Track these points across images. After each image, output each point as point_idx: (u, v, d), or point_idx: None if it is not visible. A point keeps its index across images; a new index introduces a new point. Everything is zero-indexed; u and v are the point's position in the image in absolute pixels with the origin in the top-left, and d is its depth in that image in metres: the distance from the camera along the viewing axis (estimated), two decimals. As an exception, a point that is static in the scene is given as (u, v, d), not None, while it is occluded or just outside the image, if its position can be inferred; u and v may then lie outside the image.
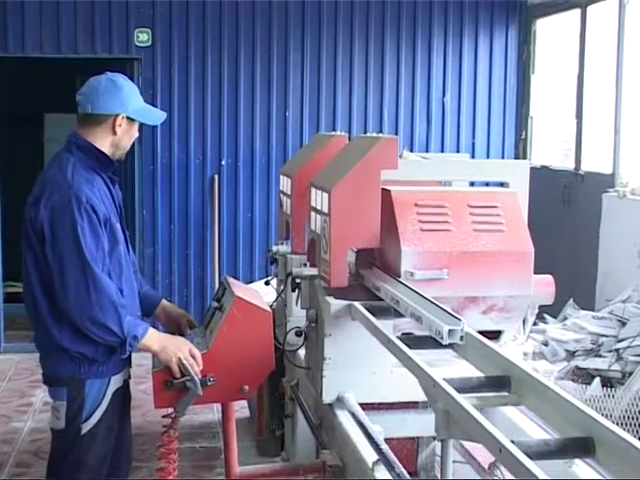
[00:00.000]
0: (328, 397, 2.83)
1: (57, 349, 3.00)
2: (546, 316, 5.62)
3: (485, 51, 7.74)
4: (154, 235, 7.53)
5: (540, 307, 3.30)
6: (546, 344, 5.18)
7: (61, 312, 2.96)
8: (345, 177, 2.84)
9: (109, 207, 3.07)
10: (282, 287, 3.58)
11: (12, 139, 9.25)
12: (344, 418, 2.72)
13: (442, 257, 2.82)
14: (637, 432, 4.41)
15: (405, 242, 2.81)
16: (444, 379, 1.98)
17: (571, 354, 5.04)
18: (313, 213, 3.09)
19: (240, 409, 5.29)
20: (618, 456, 1.62)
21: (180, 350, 3.02)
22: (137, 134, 3.22)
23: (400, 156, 3.75)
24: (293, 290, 3.21)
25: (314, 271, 3.03)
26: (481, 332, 2.32)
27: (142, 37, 7.32)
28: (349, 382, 2.82)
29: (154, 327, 3.13)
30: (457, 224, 2.88)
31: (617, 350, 4.84)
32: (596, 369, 4.78)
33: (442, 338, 2.18)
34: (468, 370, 2.26)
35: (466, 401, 1.85)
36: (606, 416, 4.34)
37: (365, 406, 2.76)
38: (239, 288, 3.31)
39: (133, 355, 3.14)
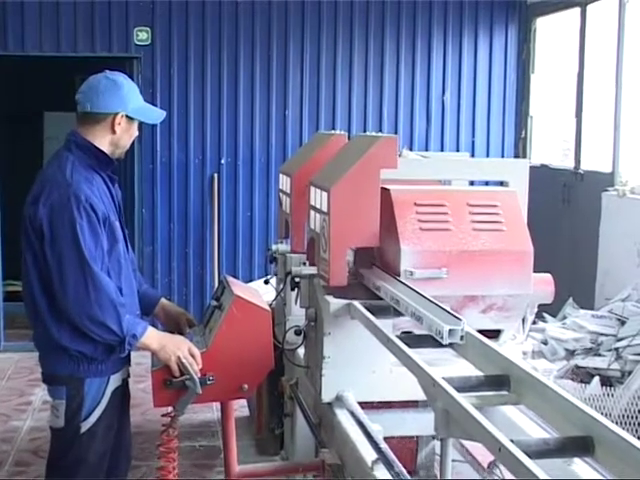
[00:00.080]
0: (327, 396, 2.83)
1: (56, 348, 3.00)
2: (545, 315, 5.62)
3: (485, 50, 7.73)
4: (153, 234, 7.53)
5: (539, 306, 3.30)
6: (545, 343, 5.18)
7: (60, 311, 2.96)
8: (344, 176, 2.84)
9: (108, 206, 3.07)
10: (281, 286, 3.58)
11: (12, 137, 9.25)
12: (343, 417, 2.72)
13: (441, 256, 2.82)
14: (636, 431, 4.41)
15: (404, 241, 2.81)
16: (443, 378, 1.98)
17: (570, 353, 5.04)
18: (312, 212, 3.09)
19: (239, 408, 5.29)
20: (617, 455, 1.62)
21: (179, 349, 3.02)
22: (137, 133, 3.22)
23: (399, 155, 3.75)
24: (292, 289, 3.21)
25: (313, 270, 3.03)
26: (480, 331, 2.32)
27: (142, 36, 7.32)
28: (348, 381, 2.82)
29: (153, 326, 3.13)
30: (456, 223, 2.88)
31: (616, 349, 4.84)
32: (595, 368, 4.78)
33: (442, 338, 2.18)
34: (467, 369, 2.26)
35: (465, 400, 1.85)
36: (605, 415, 4.34)
37: (364, 405, 2.75)
38: (238, 287, 3.31)
39: (132, 354, 3.14)
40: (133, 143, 3.33)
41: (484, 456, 2.82)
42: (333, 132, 3.89)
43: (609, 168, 6.35)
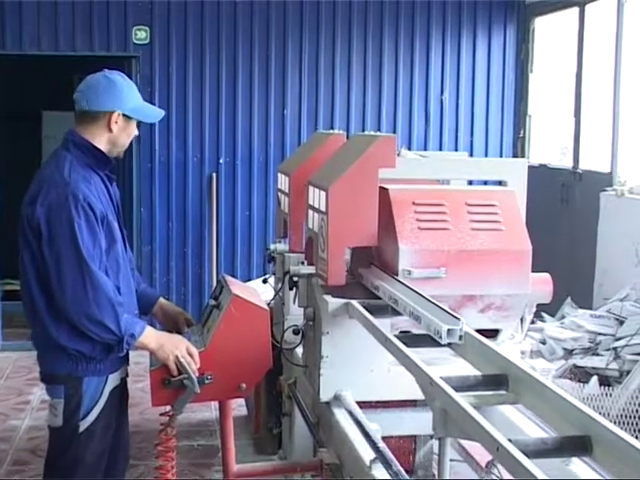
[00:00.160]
0: (325, 395, 2.83)
1: (54, 347, 3.00)
2: (544, 314, 5.62)
3: (483, 49, 7.73)
4: (152, 233, 7.53)
5: (538, 305, 3.30)
6: (544, 342, 5.18)
7: (58, 310, 2.95)
8: (343, 175, 2.84)
9: (106, 205, 3.06)
10: (280, 285, 3.58)
11: (10, 136, 9.25)
12: (341, 416, 2.72)
13: (440, 255, 2.82)
14: (634, 431, 4.41)
15: (403, 240, 2.81)
16: (441, 377, 1.98)
17: (569, 352, 5.04)
18: (311, 211, 3.08)
19: (237, 407, 5.29)
20: (615, 455, 1.62)
21: (177, 348, 3.01)
22: (136, 132, 3.21)
23: (398, 154, 3.75)
24: (291, 288, 3.21)
25: (312, 269, 3.03)
26: (478, 331, 2.32)
27: (140, 35, 7.32)
28: (346, 380, 2.82)
29: (151, 325, 3.13)
30: (455, 222, 2.88)
31: (615, 349, 4.84)
32: (594, 367, 4.79)
33: (441, 337, 2.18)
34: (465, 368, 2.26)
35: (463, 399, 1.85)
36: (603, 415, 4.34)
37: (362, 404, 2.75)
38: (237, 286, 3.31)
39: (131, 353, 3.14)
40: (132, 142, 3.33)
41: (482, 455, 2.81)
42: (332, 131, 3.90)
43: (607, 168, 6.35)
